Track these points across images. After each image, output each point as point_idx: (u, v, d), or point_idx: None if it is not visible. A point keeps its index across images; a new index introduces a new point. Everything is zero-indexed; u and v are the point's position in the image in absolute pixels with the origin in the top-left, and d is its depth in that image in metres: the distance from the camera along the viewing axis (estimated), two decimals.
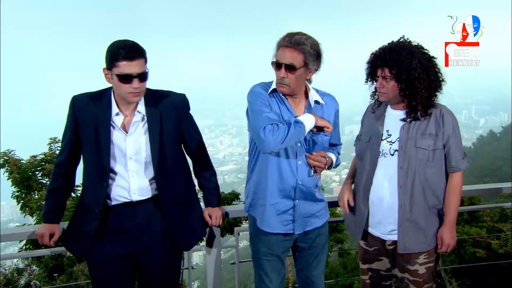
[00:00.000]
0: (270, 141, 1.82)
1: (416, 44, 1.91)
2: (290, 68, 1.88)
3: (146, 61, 1.77)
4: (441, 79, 1.92)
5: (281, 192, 1.99)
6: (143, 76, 1.77)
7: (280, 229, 2.03)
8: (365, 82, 2.02)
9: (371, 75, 1.98)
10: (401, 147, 1.93)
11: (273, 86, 1.97)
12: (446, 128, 1.92)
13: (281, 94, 1.97)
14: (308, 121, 1.90)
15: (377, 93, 2.01)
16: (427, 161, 1.91)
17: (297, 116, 1.94)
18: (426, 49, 1.91)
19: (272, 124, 1.84)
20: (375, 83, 1.99)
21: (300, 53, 1.87)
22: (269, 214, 2.01)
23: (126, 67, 1.72)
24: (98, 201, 1.87)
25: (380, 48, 1.93)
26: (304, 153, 2.00)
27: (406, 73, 1.84)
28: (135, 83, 1.75)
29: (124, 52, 1.71)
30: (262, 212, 2.02)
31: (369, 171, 2.01)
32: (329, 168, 2.10)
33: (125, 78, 1.73)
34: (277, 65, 1.90)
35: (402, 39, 1.93)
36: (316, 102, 2.03)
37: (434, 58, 1.92)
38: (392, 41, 1.93)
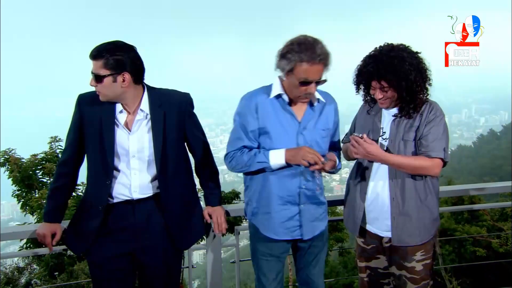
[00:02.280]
0: (228, 167, 1.98)
1: (398, 44, 1.90)
2: (318, 82, 1.85)
3: (107, 64, 1.74)
4: (428, 70, 1.90)
5: (285, 198, 1.96)
6: (96, 77, 1.78)
7: (287, 235, 2.00)
8: (356, 92, 2.01)
9: (365, 86, 1.96)
10: (391, 141, 1.96)
11: (278, 91, 1.93)
12: (429, 120, 1.91)
13: (284, 99, 1.94)
14: (277, 160, 1.88)
15: (368, 98, 2.02)
16: (414, 153, 1.92)
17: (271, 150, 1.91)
18: (408, 46, 1.90)
19: (238, 151, 1.95)
20: (364, 91, 1.99)
21: (324, 68, 1.83)
22: (275, 221, 1.98)
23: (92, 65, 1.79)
24: (101, 198, 1.87)
25: (369, 60, 1.89)
26: None
27: (405, 81, 1.83)
28: (91, 81, 1.79)
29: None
30: (267, 219, 2.00)
31: (367, 166, 2.03)
32: (332, 172, 2.02)
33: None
34: (307, 82, 1.82)
35: (385, 44, 1.91)
36: (317, 101, 2.00)
37: (418, 52, 1.90)
38: (376, 48, 1.90)
